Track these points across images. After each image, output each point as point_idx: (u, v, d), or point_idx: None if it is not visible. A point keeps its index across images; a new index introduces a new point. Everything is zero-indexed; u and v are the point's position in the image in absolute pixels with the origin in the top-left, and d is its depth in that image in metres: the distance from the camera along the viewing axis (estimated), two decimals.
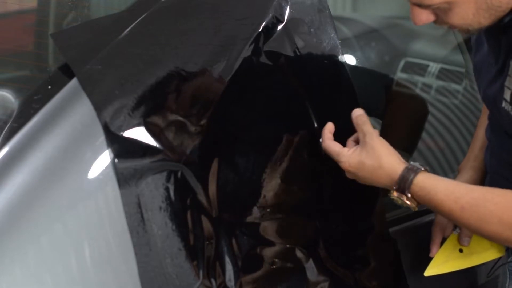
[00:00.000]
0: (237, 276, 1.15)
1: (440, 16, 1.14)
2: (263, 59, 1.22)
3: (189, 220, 1.12)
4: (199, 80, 1.16)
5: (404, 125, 1.86)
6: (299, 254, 1.24)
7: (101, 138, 1.06)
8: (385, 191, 1.24)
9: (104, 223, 1.04)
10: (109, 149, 1.06)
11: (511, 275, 1.45)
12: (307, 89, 1.27)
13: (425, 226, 1.46)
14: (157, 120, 1.10)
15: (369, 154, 1.20)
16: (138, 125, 1.08)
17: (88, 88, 1.09)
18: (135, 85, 1.11)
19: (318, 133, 1.27)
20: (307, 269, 1.24)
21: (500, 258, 1.43)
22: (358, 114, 1.24)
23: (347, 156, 1.21)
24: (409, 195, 1.17)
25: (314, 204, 1.28)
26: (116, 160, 1.05)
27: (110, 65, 1.13)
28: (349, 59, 1.97)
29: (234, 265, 1.15)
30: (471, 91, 2.08)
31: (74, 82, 1.11)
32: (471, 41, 1.40)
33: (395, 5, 2.34)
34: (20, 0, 1.65)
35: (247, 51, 1.20)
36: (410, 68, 2.22)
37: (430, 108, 2.03)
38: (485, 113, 1.44)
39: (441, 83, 2.20)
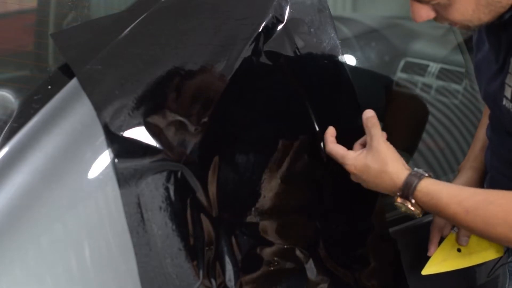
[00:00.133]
0: (237, 276, 1.15)
1: (440, 12, 1.14)
2: (263, 59, 1.23)
3: (189, 220, 1.12)
4: (199, 80, 1.16)
5: (405, 126, 1.86)
6: (299, 254, 1.24)
7: (101, 138, 1.06)
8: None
9: (104, 223, 1.04)
10: (109, 149, 1.06)
11: (511, 275, 1.45)
12: (307, 89, 1.27)
13: (425, 226, 1.46)
14: (157, 120, 1.10)
15: (374, 158, 1.20)
16: (138, 125, 1.08)
17: (88, 88, 1.09)
18: (135, 85, 1.11)
19: (318, 133, 1.27)
20: (307, 269, 1.24)
21: (500, 258, 1.43)
22: (369, 115, 1.24)
23: (353, 159, 1.21)
24: (413, 201, 1.17)
25: (314, 204, 1.28)
26: (116, 160, 1.05)
27: (110, 65, 1.13)
28: (349, 59, 1.96)
29: (234, 265, 1.15)
30: (471, 91, 2.08)
31: (74, 82, 1.11)
32: (472, 41, 1.40)
33: (395, 5, 2.34)
34: (20, 0, 1.65)
35: (247, 51, 1.20)
36: (410, 68, 2.22)
37: (430, 108, 2.03)
38: (486, 114, 1.44)
39: (441, 83, 2.20)
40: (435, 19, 1.16)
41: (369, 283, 1.31)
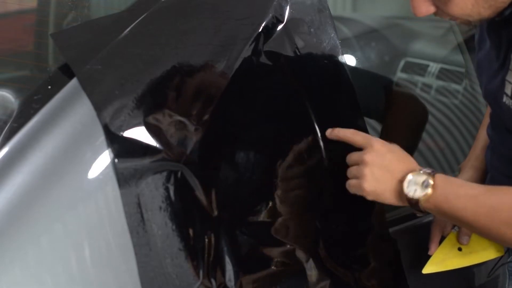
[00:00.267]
0: (237, 276, 1.15)
1: (440, 7, 1.14)
2: (263, 59, 1.22)
3: (189, 220, 1.12)
4: (199, 80, 1.16)
5: (405, 126, 1.86)
6: (299, 254, 1.24)
7: (101, 138, 1.06)
8: None
9: (104, 223, 1.04)
10: (109, 149, 1.06)
11: (511, 275, 1.45)
12: (307, 89, 1.27)
13: (425, 226, 1.46)
14: (157, 120, 1.10)
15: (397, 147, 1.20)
16: (138, 125, 1.08)
17: (88, 88, 1.09)
18: (135, 85, 1.11)
19: (318, 133, 1.26)
20: (307, 269, 1.24)
21: (501, 258, 1.43)
22: (333, 131, 1.24)
23: (380, 140, 1.20)
24: (431, 181, 1.13)
25: (314, 204, 1.28)
26: (116, 160, 1.05)
27: (110, 65, 1.13)
28: (349, 59, 1.97)
29: (234, 265, 1.15)
30: (471, 91, 2.08)
31: (74, 82, 1.11)
32: (473, 41, 1.41)
33: (395, 5, 2.34)
34: (20, 0, 1.65)
35: (247, 51, 1.20)
36: (410, 68, 2.22)
37: (430, 108, 2.03)
38: (488, 114, 1.45)
39: (441, 83, 2.20)
40: (435, 14, 1.16)
41: (369, 283, 1.31)
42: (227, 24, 1.22)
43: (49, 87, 1.14)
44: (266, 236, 1.22)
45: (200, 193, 1.13)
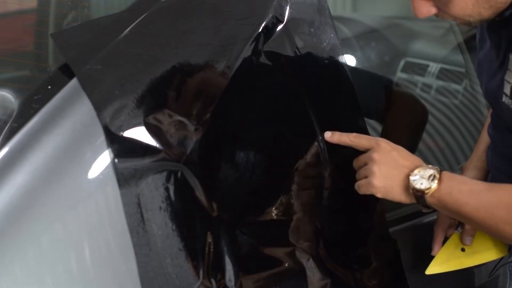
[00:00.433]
0: (237, 276, 1.15)
1: (441, 7, 1.15)
2: (263, 59, 1.22)
3: (189, 220, 1.12)
4: (199, 80, 1.16)
5: (405, 126, 1.86)
6: (299, 254, 1.24)
7: (101, 138, 1.06)
8: None
9: (104, 223, 1.04)
10: (109, 149, 1.06)
11: None
12: (307, 89, 1.27)
13: (425, 226, 1.46)
14: (157, 120, 1.10)
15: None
16: (138, 125, 1.08)
17: (88, 88, 1.09)
18: (135, 85, 1.11)
19: (318, 133, 1.26)
20: (307, 269, 1.24)
21: (502, 257, 1.43)
22: (331, 135, 1.25)
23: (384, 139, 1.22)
24: (438, 175, 1.16)
25: (314, 204, 1.28)
26: (116, 160, 1.05)
27: (110, 65, 1.13)
28: (349, 59, 1.97)
29: (234, 265, 1.15)
30: (471, 91, 2.08)
31: (74, 82, 1.11)
32: (473, 41, 1.41)
33: (395, 5, 2.34)
34: (20, 0, 1.65)
35: (247, 51, 1.20)
36: (410, 68, 2.22)
37: (430, 108, 2.03)
38: (490, 115, 1.45)
39: (441, 83, 2.20)
40: (436, 15, 1.17)
41: (369, 283, 1.31)
42: (227, 24, 1.22)
43: (49, 87, 1.14)
44: (266, 236, 1.22)
45: (200, 193, 1.13)
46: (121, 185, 1.05)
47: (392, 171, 1.19)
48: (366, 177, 1.21)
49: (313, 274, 1.24)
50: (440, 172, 1.16)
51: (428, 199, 1.16)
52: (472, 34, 1.80)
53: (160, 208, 1.09)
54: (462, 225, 1.37)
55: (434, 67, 2.23)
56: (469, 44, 1.94)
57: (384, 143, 1.21)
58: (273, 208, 1.22)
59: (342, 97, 1.33)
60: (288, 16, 1.26)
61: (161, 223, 1.08)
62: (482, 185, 1.18)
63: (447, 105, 2.14)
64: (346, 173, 1.26)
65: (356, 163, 1.25)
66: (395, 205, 1.41)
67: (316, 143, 1.27)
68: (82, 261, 1.02)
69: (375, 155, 1.20)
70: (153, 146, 1.09)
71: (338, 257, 1.29)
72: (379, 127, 1.87)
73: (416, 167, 1.18)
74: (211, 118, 1.14)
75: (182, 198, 1.11)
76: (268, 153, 1.23)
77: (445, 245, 1.38)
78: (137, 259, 1.06)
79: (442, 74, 2.22)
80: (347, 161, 1.27)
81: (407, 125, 1.87)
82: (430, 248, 1.38)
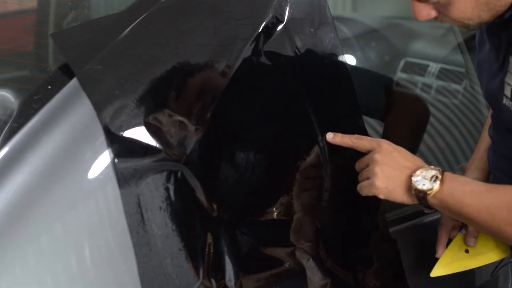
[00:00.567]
0: (237, 276, 1.15)
1: (441, 10, 1.15)
2: (263, 59, 1.22)
3: (189, 220, 1.12)
4: (199, 80, 1.16)
5: (406, 127, 1.86)
6: (299, 254, 1.24)
7: (101, 138, 1.06)
8: None
9: (104, 223, 1.04)
10: (109, 149, 1.06)
11: None
12: (307, 89, 1.27)
13: (425, 226, 1.46)
14: (157, 120, 1.10)
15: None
16: (138, 125, 1.08)
17: (88, 88, 1.09)
18: (135, 85, 1.11)
19: (318, 133, 1.26)
20: (307, 269, 1.24)
21: (503, 258, 1.43)
22: (333, 136, 1.25)
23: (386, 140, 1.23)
24: (440, 175, 1.16)
25: (314, 204, 1.28)
26: (116, 160, 1.05)
27: (110, 65, 1.13)
28: (349, 59, 1.97)
29: (234, 265, 1.15)
30: (471, 91, 2.08)
31: (74, 82, 1.11)
32: (475, 40, 1.41)
33: (395, 5, 2.34)
34: (20, 0, 1.65)
35: (247, 51, 1.20)
36: (410, 68, 2.23)
37: (430, 108, 2.03)
38: (490, 115, 1.45)
39: (441, 83, 2.21)
40: (436, 18, 1.17)
41: (369, 283, 1.31)
42: (227, 24, 1.22)
43: (49, 87, 1.14)
44: (266, 236, 1.22)
45: (200, 193, 1.13)
46: (121, 185, 1.05)
47: (394, 172, 1.19)
48: (368, 178, 1.21)
49: (313, 274, 1.24)
50: (442, 173, 1.16)
51: (430, 200, 1.16)
52: (472, 34, 1.80)
53: (160, 208, 1.09)
54: (465, 227, 1.38)
55: (434, 67, 2.23)
56: (469, 44, 1.94)
57: (386, 144, 1.21)
58: (273, 208, 1.22)
59: (342, 97, 1.33)
60: (288, 16, 1.26)
61: (161, 223, 1.08)
62: (483, 186, 1.18)
63: (447, 105, 2.14)
64: (346, 173, 1.26)
65: (358, 165, 1.25)
66: (396, 205, 1.41)
67: (316, 143, 1.27)
68: (82, 261, 1.02)
69: (377, 156, 1.20)
70: (153, 146, 1.09)
71: (338, 258, 1.29)
72: (379, 127, 1.87)
73: (418, 168, 1.18)
74: (211, 118, 1.14)
75: (182, 198, 1.11)
76: (268, 153, 1.23)
77: (449, 247, 1.38)
78: (137, 259, 1.06)
79: (442, 74, 2.22)
80: (347, 161, 1.27)
81: (408, 125, 1.87)
82: (430, 248, 1.38)
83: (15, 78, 1.42)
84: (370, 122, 1.88)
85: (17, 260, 0.99)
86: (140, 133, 1.08)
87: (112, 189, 1.05)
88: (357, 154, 1.25)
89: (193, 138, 1.13)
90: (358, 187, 1.23)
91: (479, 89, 1.92)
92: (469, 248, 1.38)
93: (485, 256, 1.39)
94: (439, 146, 2.03)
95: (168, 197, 1.09)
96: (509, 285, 1.47)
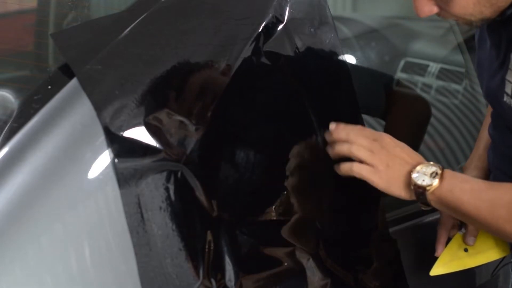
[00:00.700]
0: (237, 276, 1.15)
1: (442, 6, 1.15)
2: (263, 59, 1.22)
3: (189, 220, 1.12)
4: (199, 80, 1.16)
5: (407, 126, 1.86)
6: (299, 254, 1.24)
7: (101, 138, 1.06)
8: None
9: (104, 223, 1.04)
10: (109, 149, 1.06)
11: None
12: (307, 89, 1.27)
13: (425, 226, 1.46)
14: (157, 120, 1.10)
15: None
16: (138, 125, 1.08)
17: (88, 88, 1.09)
18: (135, 85, 1.11)
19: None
20: (307, 269, 1.24)
21: (504, 257, 1.43)
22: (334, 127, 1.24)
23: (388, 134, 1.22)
24: (440, 172, 1.16)
25: (314, 204, 1.28)
26: (116, 160, 1.05)
27: (110, 65, 1.13)
28: (349, 59, 1.97)
29: (234, 265, 1.15)
30: (471, 91, 2.08)
31: (74, 82, 1.11)
32: (473, 41, 1.41)
33: (395, 5, 2.34)
34: (20, 0, 1.65)
35: (247, 51, 1.20)
36: (410, 68, 2.23)
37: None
38: (489, 113, 1.45)
39: (441, 83, 2.21)
40: (438, 14, 1.17)
41: (369, 283, 1.31)
42: (227, 24, 1.22)
43: (49, 87, 1.14)
44: (266, 236, 1.22)
45: (200, 193, 1.13)
46: (121, 185, 1.05)
47: (394, 165, 1.19)
48: (367, 162, 1.20)
49: (313, 274, 1.24)
50: (442, 170, 1.16)
51: (429, 196, 1.16)
52: (472, 34, 1.80)
53: (160, 208, 1.09)
54: (465, 226, 1.38)
55: (434, 67, 2.23)
56: (469, 44, 1.94)
57: (388, 138, 1.21)
58: (273, 208, 1.22)
59: (342, 97, 1.33)
60: (288, 16, 1.26)
61: (161, 223, 1.08)
62: (483, 184, 1.18)
63: (447, 105, 2.14)
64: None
65: (357, 151, 1.23)
66: (396, 205, 1.41)
67: (316, 143, 1.27)
68: (82, 261, 1.02)
69: (379, 148, 1.19)
70: (153, 146, 1.09)
71: (338, 258, 1.29)
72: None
73: (419, 163, 1.18)
74: (211, 118, 1.14)
75: (182, 198, 1.11)
76: (268, 153, 1.23)
77: (448, 245, 1.38)
78: (137, 259, 1.06)
79: (442, 74, 2.22)
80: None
81: (409, 124, 1.87)
82: (430, 248, 1.38)
83: (15, 78, 1.42)
84: (370, 122, 1.88)
85: (17, 260, 0.99)
86: (140, 133, 1.08)
87: (112, 189, 1.05)
88: None
89: (193, 138, 1.13)
90: (357, 167, 1.20)
91: (479, 89, 1.92)
92: (468, 247, 1.38)
93: (484, 255, 1.39)
94: (439, 146, 2.03)
95: (168, 197, 1.09)
96: (510, 285, 1.47)
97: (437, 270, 1.35)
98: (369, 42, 2.18)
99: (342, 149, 1.22)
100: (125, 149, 1.07)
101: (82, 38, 1.18)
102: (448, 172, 1.17)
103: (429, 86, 2.21)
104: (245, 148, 1.20)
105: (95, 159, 1.06)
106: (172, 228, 1.09)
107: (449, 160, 2.00)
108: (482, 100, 1.94)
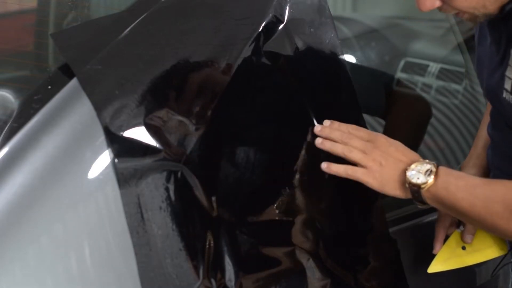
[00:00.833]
0: (237, 276, 1.15)
1: (445, 0, 1.14)
2: (263, 59, 1.22)
3: (189, 220, 1.12)
4: (199, 80, 1.16)
5: (408, 126, 1.86)
6: (299, 254, 1.24)
7: (101, 138, 1.06)
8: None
9: (104, 223, 1.04)
10: (109, 149, 1.06)
11: None
12: (307, 89, 1.27)
13: (425, 225, 1.46)
14: (157, 120, 1.10)
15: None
16: (138, 125, 1.08)
17: (88, 88, 1.09)
18: (135, 85, 1.11)
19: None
20: (307, 269, 1.24)
21: (503, 257, 1.43)
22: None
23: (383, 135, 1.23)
24: (434, 169, 1.16)
25: (314, 204, 1.28)
26: (116, 160, 1.05)
27: (110, 65, 1.13)
28: (349, 59, 1.97)
29: (234, 265, 1.15)
30: (471, 91, 2.08)
31: (74, 82, 1.11)
32: (472, 41, 1.41)
33: (395, 5, 2.34)
34: (20, 0, 1.65)
35: (247, 51, 1.20)
36: (410, 68, 2.23)
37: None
38: (488, 112, 1.45)
39: (441, 83, 2.21)
40: (440, 8, 1.16)
41: (369, 283, 1.31)
42: (227, 24, 1.22)
43: (49, 87, 1.14)
44: (266, 236, 1.22)
45: (200, 193, 1.13)
46: (121, 185, 1.05)
47: (389, 165, 1.19)
48: (361, 164, 1.21)
49: (313, 274, 1.24)
50: (437, 167, 1.16)
51: (424, 193, 1.16)
52: (472, 34, 1.80)
53: (160, 208, 1.09)
54: (463, 224, 1.38)
55: (434, 67, 2.23)
56: (469, 44, 1.94)
57: (383, 138, 1.21)
58: (273, 208, 1.22)
59: (342, 97, 1.33)
60: (288, 16, 1.26)
61: (161, 223, 1.08)
62: (478, 180, 1.18)
63: (447, 105, 2.14)
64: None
65: (351, 154, 1.23)
66: (396, 205, 1.41)
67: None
68: (82, 261, 1.02)
69: (373, 148, 1.20)
70: (153, 146, 1.09)
71: (338, 257, 1.29)
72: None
73: (413, 162, 1.18)
74: (211, 118, 1.14)
75: (182, 198, 1.11)
76: (268, 153, 1.23)
77: (446, 243, 1.38)
78: (137, 259, 1.06)
79: (442, 74, 2.22)
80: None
81: (409, 124, 1.87)
82: (430, 248, 1.38)
83: (15, 78, 1.42)
84: (370, 122, 1.88)
85: (17, 260, 0.99)
86: (140, 133, 1.08)
87: (112, 189, 1.05)
88: None
89: (193, 138, 1.13)
90: (351, 170, 1.21)
91: (479, 89, 1.93)
92: (466, 245, 1.38)
93: (482, 253, 1.39)
94: (439, 146, 2.03)
95: (168, 197, 1.09)
96: (510, 286, 1.47)
97: (435, 267, 1.36)
98: (369, 42, 2.18)
99: (335, 149, 1.22)
100: (125, 149, 1.07)
101: (82, 38, 1.18)
102: (442, 170, 1.17)
103: (429, 86, 2.21)
104: (245, 148, 1.20)
105: (95, 159, 1.06)
106: (172, 228, 1.09)
107: (449, 160, 2.00)
108: (482, 100, 1.94)
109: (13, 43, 1.51)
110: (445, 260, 1.36)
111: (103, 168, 1.05)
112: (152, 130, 1.09)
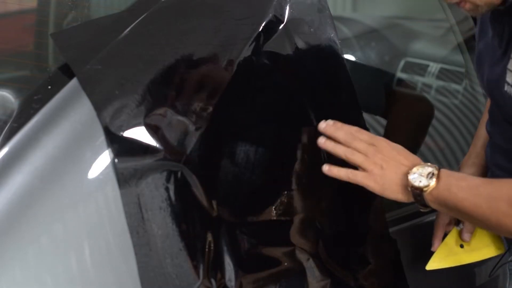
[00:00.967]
0: (237, 276, 1.15)
1: None
2: (263, 59, 1.23)
3: (189, 220, 1.12)
4: (199, 80, 1.16)
5: (409, 126, 1.86)
6: (299, 254, 1.24)
7: (101, 138, 1.06)
8: None
9: (104, 223, 1.04)
10: (109, 149, 1.06)
11: None
12: (307, 89, 1.27)
13: (425, 225, 1.46)
14: (157, 120, 1.10)
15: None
16: (138, 125, 1.08)
17: (88, 88, 1.09)
18: (135, 85, 1.11)
19: (318, 133, 1.26)
20: (307, 269, 1.24)
21: (502, 257, 1.43)
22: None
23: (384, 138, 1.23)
24: (436, 172, 1.16)
25: (314, 204, 1.28)
26: (116, 160, 1.05)
27: (110, 65, 1.13)
28: (349, 59, 1.97)
29: (234, 265, 1.15)
30: (471, 91, 2.08)
31: (74, 82, 1.11)
32: (474, 38, 1.41)
33: (395, 5, 2.34)
34: (20, 0, 1.65)
35: (247, 51, 1.20)
36: (410, 68, 2.22)
37: None
38: (487, 111, 1.45)
39: (441, 83, 2.21)
40: None
41: (369, 283, 1.31)
42: (227, 24, 1.22)
43: (49, 87, 1.14)
44: (266, 236, 1.22)
45: (200, 193, 1.13)
46: (121, 185, 1.05)
47: (390, 168, 1.19)
48: (363, 168, 1.20)
49: (313, 274, 1.24)
50: (438, 170, 1.16)
51: (427, 196, 1.16)
52: (472, 34, 1.80)
53: (160, 208, 1.09)
54: (462, 221, 1.38)
55: (434, 67, 2.23)
56: (469, 44, 1.94)
57: (384, 142, 1.21)
58: (273, 208, 1.23)
59: (342, 97, 1.33)
60: (288, 16, 1.26)
61: (161, 223, 1.08)
62: (480, 180, 1.18)
63: (447, 105, 2.14)
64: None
65: (352, 156, 1.23)
66: (396, 205, 1.41)
67: (316, 143, 1.26)
68: (82, 261, 1.02)
69: (375, 152, 1.20)
70: (153, 146, 1.09)
71: (338, 257, 1.29)
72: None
73: (414, 165, 1.18)
74: (211, 118, 1.14)
75: (182, 198, 1.11)
76: (268, 153, 1.23)
77: (444, 241, 1.38)
78: (137, 259, 1.06)
79: (442, 74, 2.22)
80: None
81: (410, 124, 1.87)
82: (430, 248, 1.38)
83: (15, 78, 1.42)
84: (370, 122, 1.88)
85: (17, 260, 0.99)
86: (140, 133, 1.08)
87: (112, 189, 1.05)
88: None
89: (193, 138, 1.13)
90: (352, 173, 1.21)
91: (479, 89, 1.93)
92: (464, 244, 1.38)
93: (480, 252, 1.39)
94: (439, 146, 2.03)
95: (168, 197, 1.09)
96: (508, 285, 1.47)
97: (433, 264, 1.36)
98: (369, 42, 2.18)
99: (337, 151, 1.22)
100: (125, 149, 1.07)
101: (82, 38, 1.18)
102: (444, 172, 1.17)
103: (429, 86, 2.21)
104: (245, 148, 1.20)
105: (95, 159, 1.06)
106: (172, 228, 1.09)
107: (449, 160, 2.00)
108: (482, 100, 1.94)
109: (13, 43, 1.51)
110: (443, 257, 1.37)
111: (103, 168, 1.05)
112: (152, 130, 1.09)
